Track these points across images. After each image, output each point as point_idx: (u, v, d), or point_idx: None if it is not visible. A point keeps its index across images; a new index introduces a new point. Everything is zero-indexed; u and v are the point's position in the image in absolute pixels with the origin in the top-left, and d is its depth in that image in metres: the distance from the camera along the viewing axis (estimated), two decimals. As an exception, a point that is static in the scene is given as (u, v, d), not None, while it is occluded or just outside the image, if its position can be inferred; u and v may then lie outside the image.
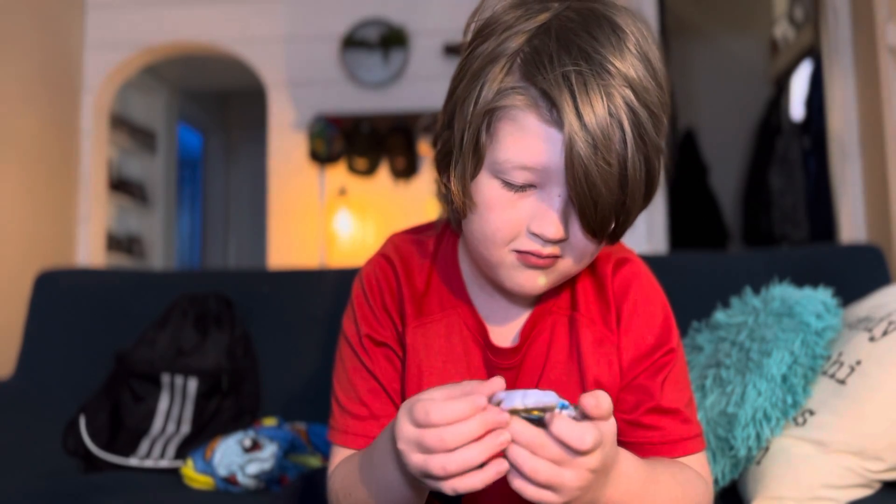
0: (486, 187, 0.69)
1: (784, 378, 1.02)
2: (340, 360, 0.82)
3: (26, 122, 3.06)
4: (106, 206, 3.65)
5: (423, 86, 3.31)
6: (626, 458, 0.66)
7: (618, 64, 0.65)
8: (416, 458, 0.58)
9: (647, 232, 3.13)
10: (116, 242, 4.00)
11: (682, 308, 1.30)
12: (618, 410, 0.78)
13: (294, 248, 3.36)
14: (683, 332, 1.27)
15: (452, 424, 0.56)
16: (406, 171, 3.31)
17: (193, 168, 5.69)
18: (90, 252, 3.43)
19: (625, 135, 0.64)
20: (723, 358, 1.11)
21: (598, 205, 0.65)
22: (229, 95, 5.61)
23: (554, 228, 0.68)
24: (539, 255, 0.69)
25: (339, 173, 3.35)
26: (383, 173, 3.34)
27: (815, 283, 1.19)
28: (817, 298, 1.10)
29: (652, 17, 3.22)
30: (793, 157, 3.63)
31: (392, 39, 3.36)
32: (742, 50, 4.41)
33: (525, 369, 0.79)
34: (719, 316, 1.21)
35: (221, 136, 5.80)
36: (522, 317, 0.80)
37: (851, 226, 2.92)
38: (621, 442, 0.76)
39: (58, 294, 1.61)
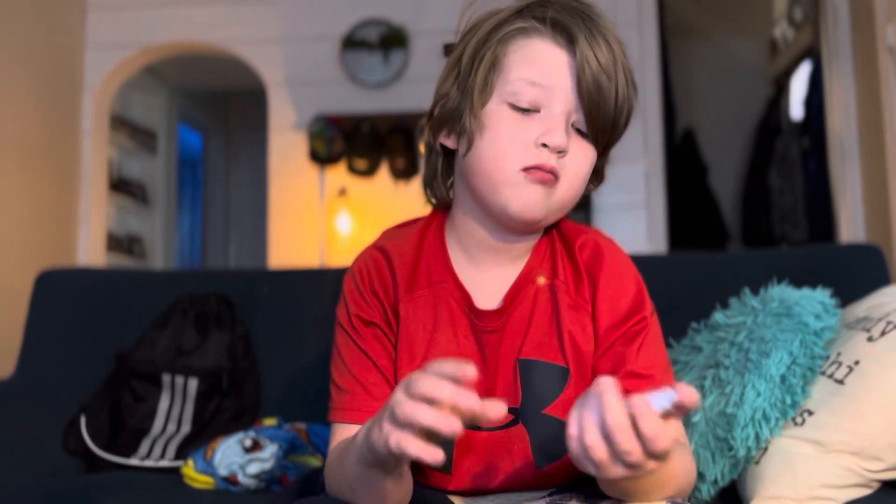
0: (496, 111, 0.79)
1: (783, 378, 1.03)
2: (336, 348, 0.87)
3: (27, 122, 3.06)
4: (106, 206, 3.66)
5: (423, 86, 3.31)
6: None
7: (606, 23, 0.79)
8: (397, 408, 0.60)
9: (647, 232, 3.13)
10: (117, 242, 4.00)
11: (681, 308, 1.31)
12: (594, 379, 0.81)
13: (294, 248, 3.36)
14: (683, 332, 1.27)
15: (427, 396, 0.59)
16: (406, 171, 3.31)
17: (194, 168, 5.70)
18: (90, 252, 3.43)
19: (616, 63, 0.78)
20: (722, 358, 1.11)
21: (602, 108, 0.78)
22: (229, 95, 5.60)
23: (560, 137, 0.77)
24: (544, 168, 0.77)
25: (339, 173, 3.36)
26: (383, 173, 3.35)
27: (814, 283, 1.19)
28: (816, 299, 1.10)
29: (652, 17, 3.23)
30: (792, 157, 3.63)
31: (392, 39, 3.36)
32: (742, 50, 4.41)
33: (509, 332, 0.84)
34: (718, 316, 1.21)
35: (221, 137, 5.81)
36: (506, 286, 0.85)
37: (851, 226, 2.92)
38: None
39: (58, 294, 1.61)
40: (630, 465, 0.59)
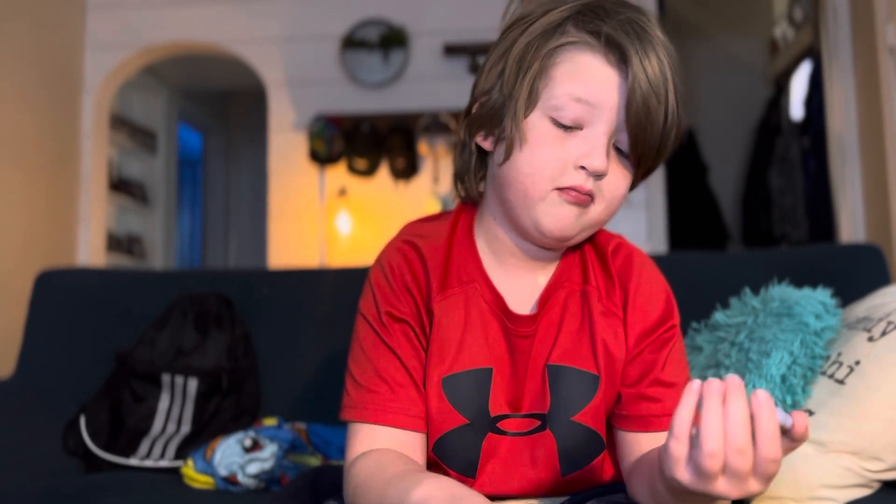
0: (538, 125, 0.76)
1: (783, 378, 1.02)
2: (357, 341, 0.83)
3: (26, 122, 3.06)
4: (106, 206, 3.66)
5: (423, 86, 3.31)
6: None
7: (660, 37, 0.76)
8: None
9: (648, 232, 3.13)
10: (116, 242, 4.00)
11: (681, 308, 1.30)
12: (623, 385, 0.81)
13: (294, 248, 3.36)
14: (683, 332, 1.27)
15: None
16: (406, 171, 3.31)
17: (193, 168, 5.70)
18: (90, 252, 3.43)
19: (667, 83, 0.75)
20: (722, 358, 1.11)
21: (649, 133, 0.74)
22: (229, 95, 5.60)
23: (600, 161, 0.75)
24: (581, 191, 0.76)
25: (339, 173, 3.36)
26: (383, 173, 3.34)
27: (814, 283, 1.19)
28: (816, 299, 1.10)
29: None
30: (792, 157, 3.63)
31: (392, 39, 3.36)
32: (742, 50, 4.41)
33: (539, 337, 0.83)
34: (719, 316, 1.21)
35: (221, 136, 5.80)
36: (537, 290, 0.84)
37: (851, 226, 2.92)
38: (625, 416, 0.80)
39: (58, 294, 1.61)
40: (769, 477, 0.55)
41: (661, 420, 0.78)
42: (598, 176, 0.75)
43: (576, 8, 0.77)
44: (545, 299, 0.83)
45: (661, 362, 0.80)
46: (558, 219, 0.77)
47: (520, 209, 0.79)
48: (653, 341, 0.82)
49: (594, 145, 0.75)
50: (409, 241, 0.86)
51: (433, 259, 0.84)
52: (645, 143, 0.76)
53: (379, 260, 0.87)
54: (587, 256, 0.86)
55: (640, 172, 0.80)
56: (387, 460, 0.76)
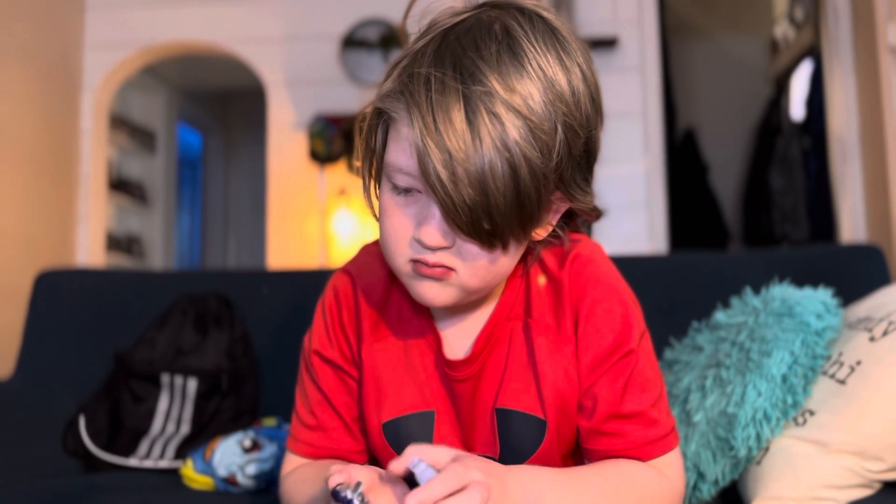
0: (382, 191, 0.70)
1: (784, 378, 1.02)
2: (299, 374, 0.86)
3: (26, 122, 3.06)
4: (105, 206, 3.65)
5: (423, 86, 3.31)
6: (534, 478, 0.66)
7: (493, 78, 0.62)
8: None
9: (648, 232, 3.13)
10: (116, 242, 4.00)
11: (682, 308, 1.30)
12: (579, 418, 0.77)
13: (294, 248, 3.36)
14: (683, 332, 1.27)
15: None
16: (406, 171, 3.31)
17: (193, 168, 5.70)
18: (90, 252, 3.42)
19: (481, 142, 0.61)
20: (723, 358, 1.11)
21: (457, 206, 0.62)
22: (229, 95, 5.60)
23: (430, 235, 0.66)
24: (426, 264, 0.67)
25: (338, 173, 3.35)
26: (383, 173, 3.34)
27: (815, 283, 1.19)
28: (817, 298, 1.10)
29: (652, 17, 3.23)
30: (793, 156, 3.63)
31: (392, 39, 3.36)
32: (742, 50, 4.41)
33: (485, 378, 0.77)
34: (719, 316, 1.21)
35: (221, 136, 5.81)
36: (480, 325, 0.78)
37: (851, 226, 2.92)
38: (588, 450, 0.77)
39: (58, 294, 1.61)
40: None
41: (625, 454, 0.75)
42: (442, 247, 0.66)
43: (426, 40, 0.69)
44: (485, 339, 0.77)
45: (617, 395, 0.74)
46: (420, 294, 0.70)
47: (399, 278, 0.72)
48: (606, 371, 0.75)
49: (426, 216, 0.66)
50: (351, 276, 0.83)
51: (368, 297, 0.81)
52: (468, 222, 0.63)
53: (324, 292, 0.84)
54: (532, 281, 0.78)
55: (501, 246, 0.67)
56: (305, 471, 0.79)
